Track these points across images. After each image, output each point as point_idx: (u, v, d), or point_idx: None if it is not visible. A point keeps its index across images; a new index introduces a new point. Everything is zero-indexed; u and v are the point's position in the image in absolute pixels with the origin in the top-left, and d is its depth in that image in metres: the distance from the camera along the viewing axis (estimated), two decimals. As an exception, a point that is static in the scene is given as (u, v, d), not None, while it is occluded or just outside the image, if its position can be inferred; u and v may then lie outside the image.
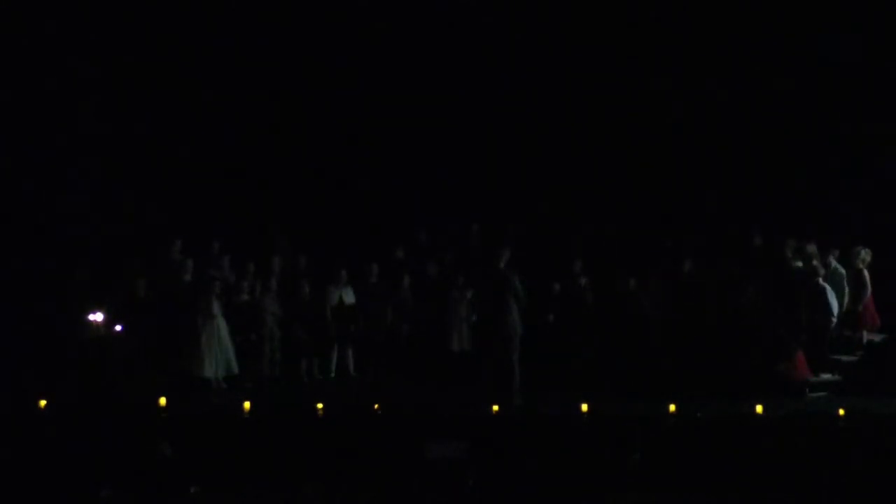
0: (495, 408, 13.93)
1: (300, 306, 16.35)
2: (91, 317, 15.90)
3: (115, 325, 16.09)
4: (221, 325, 15.95)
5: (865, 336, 16.25)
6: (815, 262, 15.87)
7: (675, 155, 18.17)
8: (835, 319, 15.70)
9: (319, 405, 14.00)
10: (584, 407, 13.72)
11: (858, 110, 17.69)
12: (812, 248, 16.23)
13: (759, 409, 13.74)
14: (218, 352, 15.89)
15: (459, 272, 16.63)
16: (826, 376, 15.72)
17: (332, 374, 16.55)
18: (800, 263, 16.20)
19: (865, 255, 16.29)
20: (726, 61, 18.06)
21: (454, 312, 16.36)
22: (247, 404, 13.91)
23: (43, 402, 13.98)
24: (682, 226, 17.44)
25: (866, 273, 16.18)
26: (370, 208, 18.11)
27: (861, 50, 17.66)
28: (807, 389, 15.43)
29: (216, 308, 15.93)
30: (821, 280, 15.71)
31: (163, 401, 13.98)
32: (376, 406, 14.09)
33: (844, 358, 15.99)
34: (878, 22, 17.67)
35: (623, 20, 18.24)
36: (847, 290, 16.11)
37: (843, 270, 16.18)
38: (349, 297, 16.53)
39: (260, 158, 18.47)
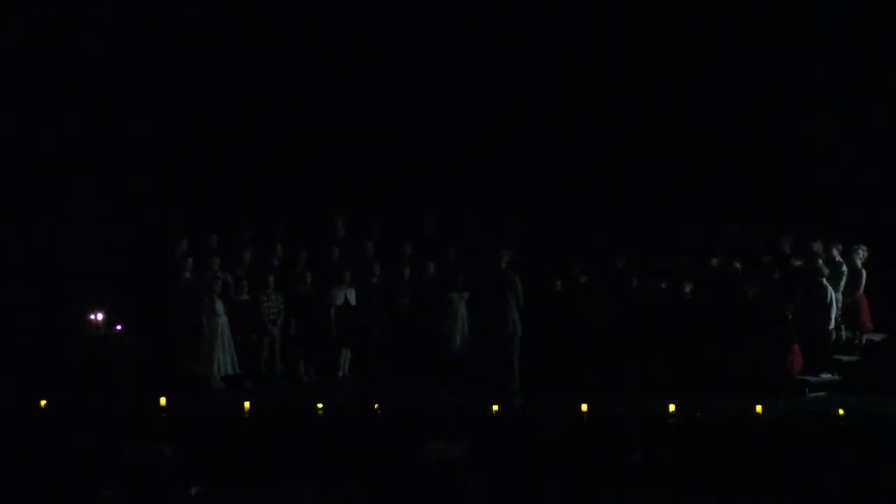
0: (495, 408, 13.93)
1: (301, 301, 16.36)
2: (91, 317, 15.92)
3: (115, 325, 16.11)
4: (224, 324, 15.97)
5: (865, 336, 16.25)
6: (819, 262, 15.87)
7: (674, 153, 18.16)
8: (833, 321, 15.69)
9: (319, 405, 14.01)
10: (584, 407, 13.73)
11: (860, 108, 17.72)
12: (817, 245, 16.22)
13: (759, 409, 13.75)
14: (221, 351, 15.90)
15: (459, 271, 16.63)
16: (826, 376, 15.73)
17: (340, 374, 16.58)
18: (800, 262, 16.23)
19: (864, 252, 16.31)
20: (728, 59, 18.05)
21: (454, 312, 16.36)
22: (247, 404, 13.92)
23: (43, 402, 14.00)
24: (682, 225, 17.41)
25: (864, 272, 16.19)
26: (371, 204, 18.09)
27: (863, 49, 17.66)
28: (807, 389, 15.45)
29: (219, 307, 15.94)
30: (824, 280, 15.71)
31: (163, 401, 13.99)
32: (376, 406, 14.09)
33: (844, 358, 15.98)
34: (880, 22, 17.66)
35: (623, 19, 18.23)
36: (843, 285, 16.13)
37: (845, 266, 16.18)
38: (353, 298, 16.54)
39: (259, 155, 18.46)
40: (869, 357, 16.03)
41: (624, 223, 17.58)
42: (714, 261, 16.48)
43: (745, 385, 15.04)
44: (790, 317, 15.52)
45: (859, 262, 16.22)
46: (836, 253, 16.20)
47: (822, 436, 13.26)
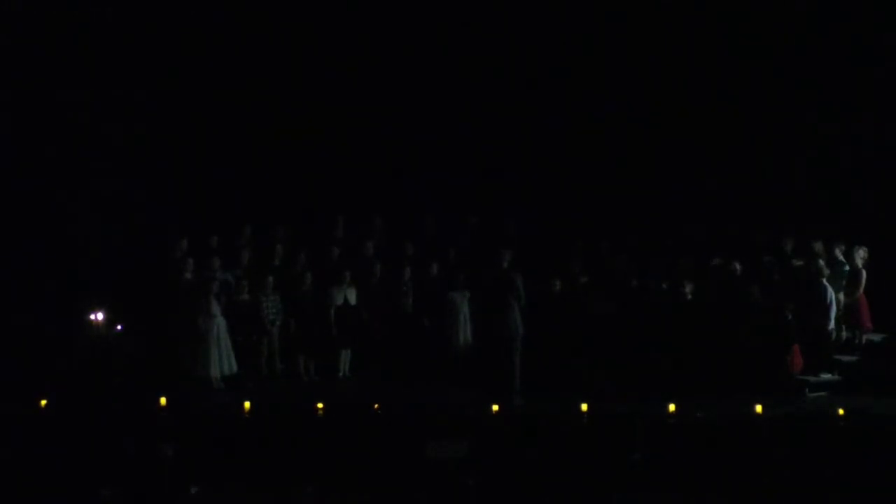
0: (495, 408, 13.93)
1: (300, 301, 16.36)
2: (91, 317, 15.92)
3: (115, 325, 16.12)
4: (221, 324, 15.97)
5: (865, 336, 16.26)
6: (820, 262, 15.86)
7: (675, 153, 18.16)
8: (833, 321, 15.69)
9: (319, 405, 14.01)
10: (584, 407, 13.73)
11: (859, 107, 17.73)
12: (818, 246, 16.22)
13: (759, 409, 13.75)
14: (218, 351, 15.90)
15: (460, 271, 16.63)
16: (826, 376, 15.72)
17: (340, 374, 16.57)
18: (801, 262, 16.23)
19: (864, 253, 16.31)
20: (728, 58, 18.06)
21: (455, 312, 16.36)
22: (247, 404, 13.93)
23: (43, 402, 14.00)
24: (682, 225, 17.41)
25: (864, 272, 16.19)
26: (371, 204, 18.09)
27: (863, 49, 17.67)
28: (807, 389, 15.45)
29: (216, 308, 15.95)
30: (824, 280, 15.71)
31: (163, 401, 14.00)
32: (376, 406, 14.09)
33: (844, 358, 15.99)
34: (879, 21, 17.67)
35: (623, 19, 18.24)
36: (844, 285, 16.13)
37: (847, 266, 16.18)
38: (353, 298, 16.54)
39: (259, 155, 18.46)
40: (869, 357, 16.03)
41: (624, 223, 17.58)
42: (714, 261, 16.47)
43: (745, 385, 15.03)
44: (790, 317, 15.51)
45: (860, 263, 16.23)
46: (838, 253, 16.21)
47: (822, 436, 13.26)
